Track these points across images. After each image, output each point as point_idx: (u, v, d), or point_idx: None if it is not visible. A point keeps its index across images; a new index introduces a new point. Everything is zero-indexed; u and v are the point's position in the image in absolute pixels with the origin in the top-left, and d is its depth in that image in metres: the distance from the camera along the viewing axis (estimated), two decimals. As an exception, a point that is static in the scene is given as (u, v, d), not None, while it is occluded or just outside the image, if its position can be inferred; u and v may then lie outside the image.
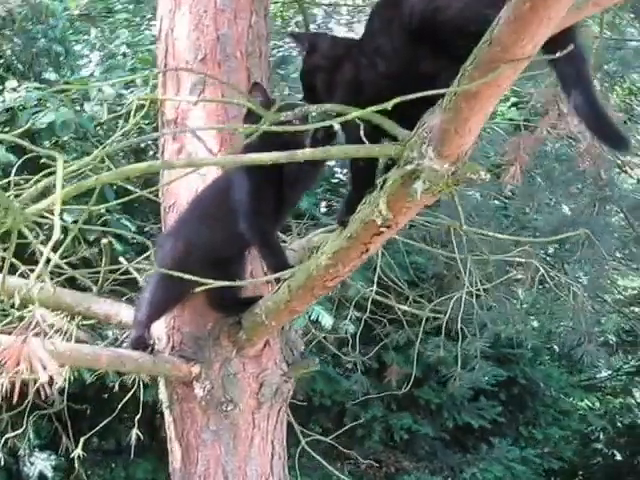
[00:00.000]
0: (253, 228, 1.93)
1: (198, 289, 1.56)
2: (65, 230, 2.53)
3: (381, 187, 1.44)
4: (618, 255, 5.26)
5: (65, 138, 4.28)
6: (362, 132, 1.31)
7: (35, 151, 1.37)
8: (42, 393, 1.40)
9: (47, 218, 1.42)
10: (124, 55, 5.05)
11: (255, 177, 1.89)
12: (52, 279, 2.43)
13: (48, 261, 1.22)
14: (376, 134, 1.41)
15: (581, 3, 1.24)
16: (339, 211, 1.64)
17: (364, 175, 1.50)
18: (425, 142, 1.32)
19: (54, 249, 1.27)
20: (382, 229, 1.48)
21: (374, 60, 1.49)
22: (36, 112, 3.90)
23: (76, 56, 4.89)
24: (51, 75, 4.45)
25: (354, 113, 1.22)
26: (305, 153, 1.35)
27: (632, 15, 4.10)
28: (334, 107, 1.34)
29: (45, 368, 1.13)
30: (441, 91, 1.24)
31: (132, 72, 4.48)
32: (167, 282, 1.97)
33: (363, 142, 1.35)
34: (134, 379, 2.74)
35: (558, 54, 1.18)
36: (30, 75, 4.41)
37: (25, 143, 1.49)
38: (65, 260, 2.55)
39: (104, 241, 2.34)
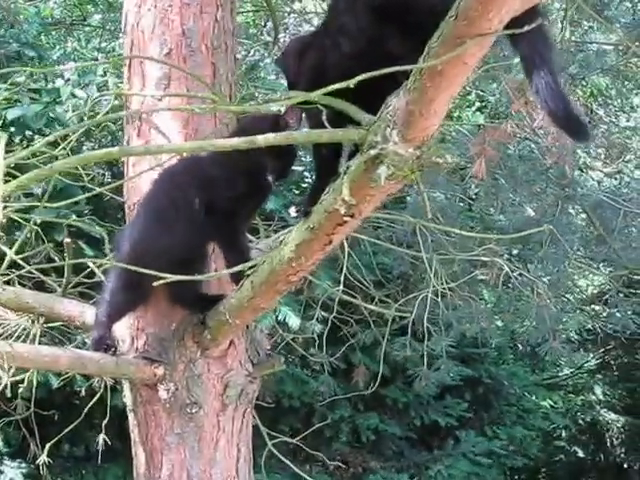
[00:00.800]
0: (226, 224, 1.90)
1: (157, 283, 1.52)
2: (32, 231, 2.48)
3: (344, 174, 1.40)
4: (580, 254, 5.33)
5: (36, 141, 4.21)
6: (325, 118, 1.28)
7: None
8: (6, 398, 1.35)
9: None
10: (96, 59, 5.00)
11: (236, 172, 1.86)
12: (12, 281, 2.38)
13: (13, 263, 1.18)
14: (340, 120, 1.38)
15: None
16: (303, 202, 1.61)
17: (327, 163, 1.47)
18: (389, 125, 1.29)
19: (18, 251, 1.22)
20: (346, 218, 1.45)
21: (338, 40, 1.45)
22: (6, 108, 3.84)
23: (49, 61, 4.82)
24: (21, 80, 4.38)
25: (315, 94, 1.18)
26: (268, 138, 1.32)
27: (592, 19, 4.17)
28: (297, 94, 1.31)
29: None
30: (405, 67, 1.21)
31: (104, 76, 4.44)
32: (127, 280, 1.92)
33: (326, 128, 1.32)
34: (103, 383, 2.69)
35: (523, 29, 1.16)
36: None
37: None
38: (33, 263, 2.49)
39: (66, 240, 2.29)
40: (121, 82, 4.10)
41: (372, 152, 1.29)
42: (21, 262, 2.22)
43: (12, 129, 3.89)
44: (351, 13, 1.41)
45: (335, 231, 1.51)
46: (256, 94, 4.63)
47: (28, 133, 4.11)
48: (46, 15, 5.25)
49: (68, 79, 4.52)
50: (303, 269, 1.63)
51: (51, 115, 3.98)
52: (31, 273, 2.48)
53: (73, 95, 4.16)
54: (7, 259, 1.18)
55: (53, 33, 5.23)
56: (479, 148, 2.39)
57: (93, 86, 4.25)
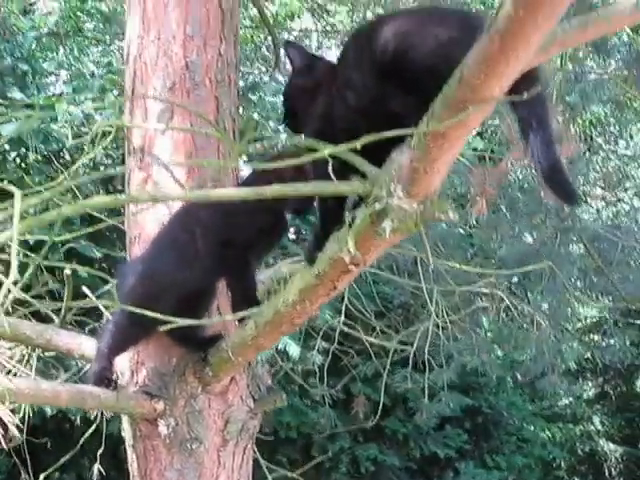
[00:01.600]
0: (238, 259, 1.90)
1: (163, 328, 1.52)
2: (27, 257, 2.47)
3: (350, 225, 1.43)
4: (579, 284, 5.35)
5: (31, 159, 4.22)
6: (330, 167, 1.30)
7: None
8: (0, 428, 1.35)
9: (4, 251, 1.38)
10: (92, 75, 5.01)
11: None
12: (12, 311, 2.37)
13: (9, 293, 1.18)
14: (345, 170, 1.40)
15: (547, 43, 1.25)
16: (307, 248, 1.62)
17: (332, 212, 1.48)
18: (394, 181, 1.32)
19: (15, 282, 1.23)
20: (350, 267, 1.47)
21: (345, 93, 1.48)
22: (0, 124, 3.85)
23: (43, 75, 4.83)
24: (16, 94, 4.39)
25: (326, 150, 1.21)
26: (274, 189, 1.33)
27: (591, 49, 4.22)
28: (304, 141, 1.33)
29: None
30: (409, 130, 1.24)
31: (101, 93, 4.45)
32: (131, 316, 1.92)
33: (330, 177, 1.34)
34: (99, 413, 2.67)
35: (521, 96, 1.18)
36: (-6, 95, 4.35)
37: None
38: (29, 292, 2.48)
39: (67, 272, 2.28)
40: (119, 96, 4.14)
41: (377, 206, 1.32)
42: (21, 294, 2.21)
43: (7, 147, 3.89)
44: (358, 69, 1.44)
45: (340, 278, 1.53)
46: (255, 115, 4.66)
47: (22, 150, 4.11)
48: (40, 25, 5.26)
49: (61, 93, 4.54)
50: (307, 312, 1.64)
51: (47, 132, 3.98)
52: (24, 301, 2.46)
53: (68, 113, 4.16)
54: (2, 291, 1.18)
55: (46, 43, 5.22)
56: (479, 190, 2.41)
57: (89, 102, 4.27)
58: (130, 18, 2.36)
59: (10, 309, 2.37)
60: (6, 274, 1.23)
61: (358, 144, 1.21)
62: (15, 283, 1.28)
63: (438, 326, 3.46)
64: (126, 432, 2.24)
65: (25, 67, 4.60)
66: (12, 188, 1.04)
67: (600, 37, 4.04)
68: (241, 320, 1.82)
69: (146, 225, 2.23)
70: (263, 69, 5.90)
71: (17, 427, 2.79)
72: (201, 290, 1.99)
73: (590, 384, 8.10)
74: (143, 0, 2.30)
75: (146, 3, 2.30)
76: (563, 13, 1.03)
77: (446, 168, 1.30)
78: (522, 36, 1.05)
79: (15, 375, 2.34)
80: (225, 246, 1.91)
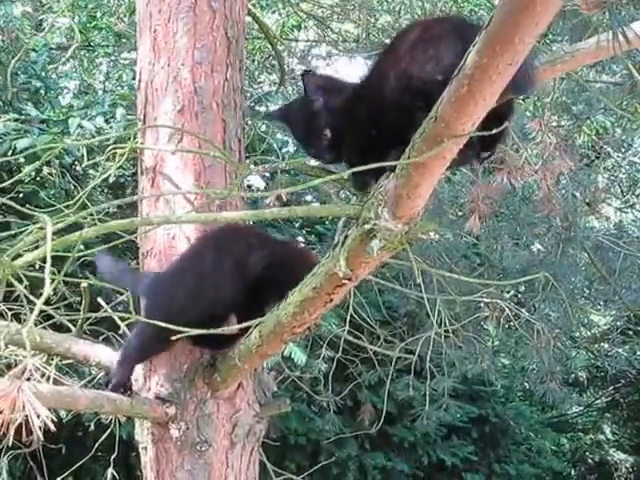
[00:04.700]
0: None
1: (180, 335, 1.65)
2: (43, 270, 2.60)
3: (342, 244, 1.56)
4: (585, 294, 5.40)
5: (45, 172, 4.35)
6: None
7: (24, 212, 1.47)
8: (24, 434, 1.47)
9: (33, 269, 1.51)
10: (104, 90, 5.14)
11: None
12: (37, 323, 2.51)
13: (40, 311, 1.31)
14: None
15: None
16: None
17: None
18: (381, 204, 1.46)
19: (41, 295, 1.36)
20: (344, 281, 1.60)
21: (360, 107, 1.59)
22: (16, 138, 3.97)
23: (55, 91, 4.97)
24: (32, 111, 4.54)
25: (332, 176, 1.34)
26: (273, 212, 1.47)
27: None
28: (301, 164, 1.46)
29: (39, 416, 1.20)
30: (393, 163, 1.37)
31: (112, 107, 4.59)
32: (154, 330, 1.95)
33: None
34: (109, 417, 2.78)
35: (490, 132, 1.31)
36: (10, 111, 4.50)
37: (13, 204, 1.59)
38: (50, 305, 2.60)
39: (83, 285, 2.42)
40: (130, 114, 4.26)
41: (366, 227, 1.45)
42: (44, 307, 2.34)
43: (22, 160, 4.00)
44: (377, 93, 1.54)
45: (335, 291, 1.67)
46: (262, 127, 4.77)
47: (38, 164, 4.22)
48: (50, 41, 5.39)
49: (71, 106, 4.67)
50: (307, 322, 1.78)
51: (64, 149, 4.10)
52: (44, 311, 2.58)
53: (80, 126, 4.29)
54: (35, 310, 1.31)
55: (56, 58, 5.35)
56: (473, 205, 2.54)
57: (100, 117, 4.40)
58: (141, 46, 2.50)
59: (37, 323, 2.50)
60: (31, 291, 1.37)
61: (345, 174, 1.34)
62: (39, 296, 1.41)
63: (441, 335, 3.54)
64: (138, 435, 2.37)
65: (39, 84, 4.75)
66: (43, 216, 1.18)
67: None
68: (246, 330, 1.94)
69: (157, 239, 2.35)
70: (270, 79, 6.00)
71: (32, 431, 2.91)
72: (228, 311, 2.07)
73: (600, 393, 8.09)
74: (153, 29, 2.44)
75: (156, 32, 2.43)
76: (522, 59, 1.15)
77: (428, 193, 1.43)
78: (487, 81, 1.18)
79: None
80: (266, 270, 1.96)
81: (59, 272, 2.98)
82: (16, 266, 1.31)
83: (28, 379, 1.30)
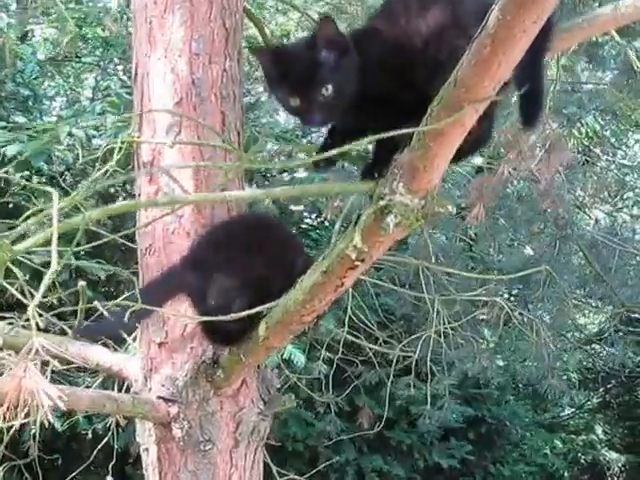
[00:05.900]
0: None
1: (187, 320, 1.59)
2: (38, 274, 2.55)
3: (355, 222, 1.51)
4: (579, 293, 5.41)
5: (35, 182, 4.30)
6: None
7: (30, 186, 1.41)
8: (18, 441, 1.41)
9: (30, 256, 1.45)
10: (92, 99, 5.10)
11: None
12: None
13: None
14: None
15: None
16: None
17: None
18: (396, 179, 1.41)
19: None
20: (357, 263, 1.55)
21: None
22: (4, 145, 3.91)
23: (43, 99, 4.94)
24: (19, 118, 4.49)
25: (332, 152, 1.30)
26: (284, 190, 1.42)
27: (586, 59, 4.31)
28: (309, 148, 1.41)
29: (48, 396, 1.15)
30: (411, 130, 1.33)
31: (101, 115, 4.54)
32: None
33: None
34: (106, 426, 2.73)
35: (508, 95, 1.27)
36: (-2, 119, 4.45)
37: (19, 179, 1.53)
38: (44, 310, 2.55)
39: (81, 283, 2.36)
40: (125, 124, 4.21)
41: (381, 203, 1.41)
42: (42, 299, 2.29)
43: (10, 168, 3.95)
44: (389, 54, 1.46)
45: (346, 274, 1.61)
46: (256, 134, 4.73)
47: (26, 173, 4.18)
48: (37, 51, 5.36)
49: (60, 117, 4.63)
50: (316, 310, 1.72)
51: (51, 153, 4.06)
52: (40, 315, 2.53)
53: (70, 134, 4.23)
54: (35, 299, 1.26)
55: (45, 69, 5.32)
56: (477, 195, 2.50)
57: (90, 124, 4.34)
58: (137, 38, 2.45)
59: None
60: (22, 293, 1.31)
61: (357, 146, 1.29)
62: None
63: (440, 334, 3.52)
64: (140, 436, 2.31)
65: (27, 92, 4.71)
66: (49, 189, 1.13)
67: (593, 48, 4.14)
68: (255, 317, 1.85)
69: (156, 236, 2.30)
70: (260, 89, 5.98)
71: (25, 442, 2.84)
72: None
73: (592, 393, 8.12)
74: (149, 20, 2.40)
75: (152, 23, 2.39)
76: (550, 14, 1.12)
77: (445, 164, 1.39)
78: (511, 39, 1.14)
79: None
80: None
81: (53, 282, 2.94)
82: (17, 251, 1.25)
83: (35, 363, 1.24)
